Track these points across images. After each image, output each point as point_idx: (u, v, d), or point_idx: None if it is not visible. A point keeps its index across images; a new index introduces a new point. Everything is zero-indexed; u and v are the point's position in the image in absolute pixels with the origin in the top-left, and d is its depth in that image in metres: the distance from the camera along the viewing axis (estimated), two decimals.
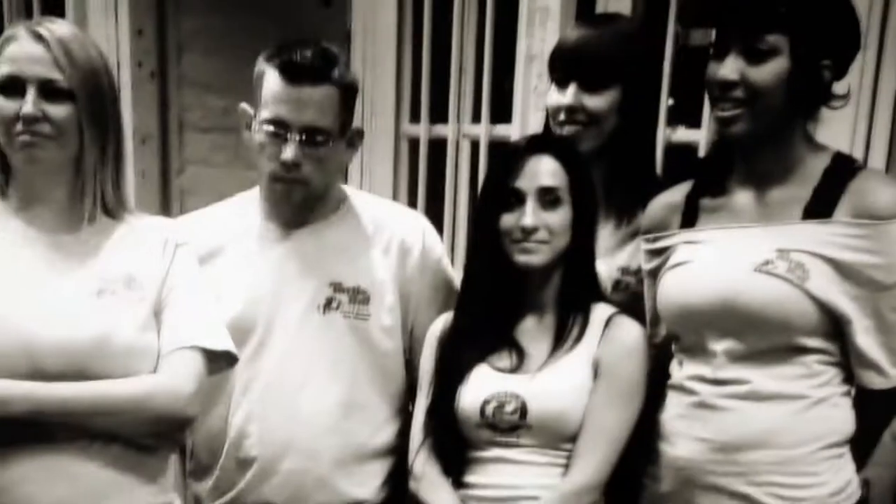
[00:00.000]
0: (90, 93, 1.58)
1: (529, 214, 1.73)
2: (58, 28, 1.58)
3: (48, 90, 1.54)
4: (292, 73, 1.77)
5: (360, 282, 1.92)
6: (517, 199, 1.75)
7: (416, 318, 1.98)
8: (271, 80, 1.79)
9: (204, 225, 1.96)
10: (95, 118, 1.59)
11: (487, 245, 1.79)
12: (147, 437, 1.60)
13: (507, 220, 1.75)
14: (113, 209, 1.68)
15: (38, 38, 1.55)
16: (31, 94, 1.53)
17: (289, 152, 1.79)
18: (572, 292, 1.81)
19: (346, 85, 1.84)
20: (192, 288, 1.72)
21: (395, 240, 1.97)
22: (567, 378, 1.73)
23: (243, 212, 1.98)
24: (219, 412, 1.91)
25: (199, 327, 1.67)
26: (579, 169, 1.79)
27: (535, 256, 1.75)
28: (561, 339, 1.77)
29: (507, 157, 1.81)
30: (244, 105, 1.89)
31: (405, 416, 1.99)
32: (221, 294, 1.83)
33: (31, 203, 1.63)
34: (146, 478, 1.61)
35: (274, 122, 1.79)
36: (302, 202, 1.89)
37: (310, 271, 1.91)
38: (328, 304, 1.90)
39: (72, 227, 1.63)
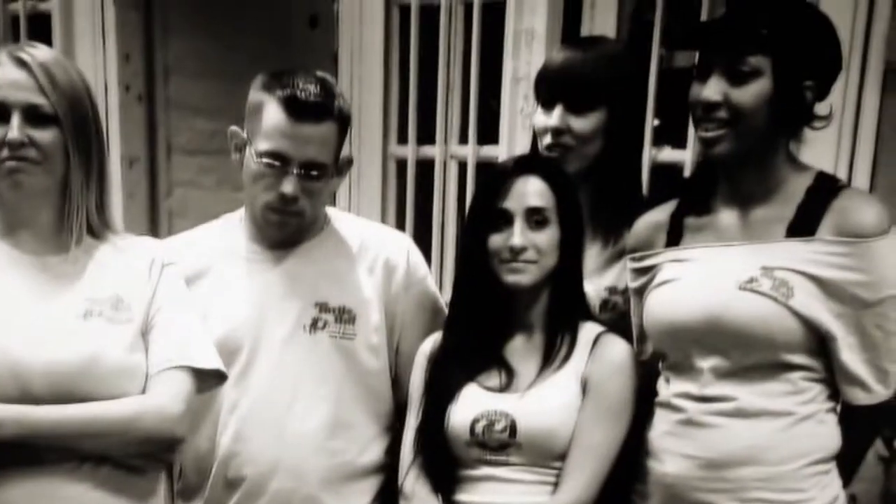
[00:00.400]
0: (75, 117, 1.57)
1: (518, 234, 1.74)
2: (39, 53, 1.57)
3: (33, 115, 1.54)
4: (296, 110, 1.76)
5: (345, 301, 1.92)
6: (505, 220, 1.76)
7: (401, 337, 1.99)
8: (272, 113, 1.78)
9: (189, 246, 1.95)
10: (81, 142, 1.59)
11: (476, 265, 1.80)
12: (136, 457, 1.60)
13: (496, 240, 1.76)
14: (98, 231, 1.67)
15: (21, 63, 1.54)
16: (16, 119, 1.52)
17: (288, 187, 1.79)
18: (560, 311, 1.81)
19: (344, 118, 1.85)
20: (180, 307, 1.71)
21: (380, 259, 1.97)
22: (556, 396, 1.74)
23: (228, 233, 1.98)
24: (207, 432, 1.90)
25: (187, 346, 1.66)
26: (566, 189, 1.80)
27: (523, 276, 1.76)
28: (549, 357, 1.78)
29: (495, 178, 1.82)
30: (235, 127, 1.88)
31: (392, 434, 1.99)
32: (208, 315, 1.82)
33: (16, 228, 1.62)
34: (136, 498, 1.60)
35: (274, 154, 1.79)
36: (293, 230, 1.91)
37: (295, 292, 1.91)
38: (314, 325, 1.90)
39: (58, 249, 1.63)
